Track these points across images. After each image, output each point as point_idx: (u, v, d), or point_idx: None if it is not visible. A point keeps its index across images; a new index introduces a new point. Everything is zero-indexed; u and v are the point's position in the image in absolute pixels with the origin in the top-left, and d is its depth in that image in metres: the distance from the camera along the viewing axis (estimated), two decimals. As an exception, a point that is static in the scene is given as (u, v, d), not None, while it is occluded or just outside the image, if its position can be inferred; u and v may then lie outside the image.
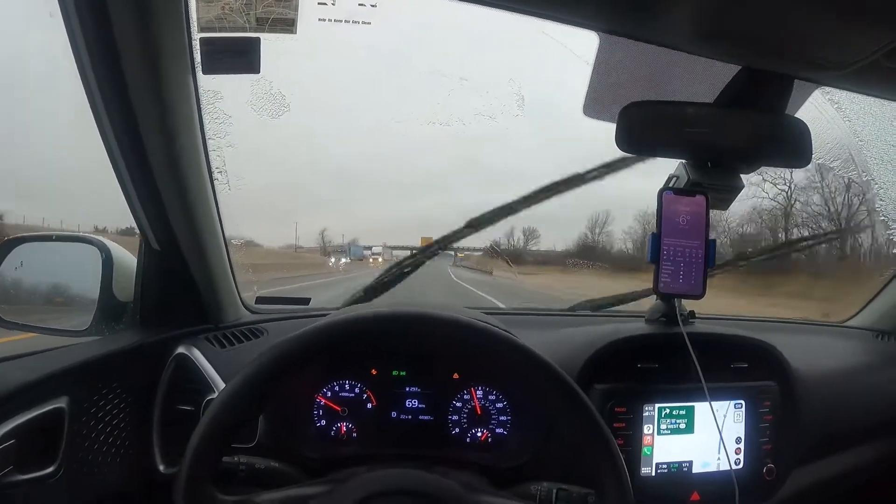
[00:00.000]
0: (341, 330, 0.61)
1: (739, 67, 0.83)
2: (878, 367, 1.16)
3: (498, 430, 0.89)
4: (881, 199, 1.17)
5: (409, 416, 0.89)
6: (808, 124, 0.86)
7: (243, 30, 0.78)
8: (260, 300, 1.05)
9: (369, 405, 0.89)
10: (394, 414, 0.89)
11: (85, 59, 0.69)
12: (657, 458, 0.87)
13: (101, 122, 0.75)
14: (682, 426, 0.88)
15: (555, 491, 0.70)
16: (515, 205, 1.12)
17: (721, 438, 0.87)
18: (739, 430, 0.90)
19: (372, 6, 0.75)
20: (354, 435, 0.88)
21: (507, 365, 0.63)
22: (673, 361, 0.86)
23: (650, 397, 0.87)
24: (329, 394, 0.89)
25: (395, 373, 0.89)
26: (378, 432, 0.89)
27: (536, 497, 0.70)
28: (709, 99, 0.86)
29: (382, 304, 1.07)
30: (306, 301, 1.09)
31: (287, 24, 0.78)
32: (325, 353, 0.61)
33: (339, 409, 0.88)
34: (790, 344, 1.00)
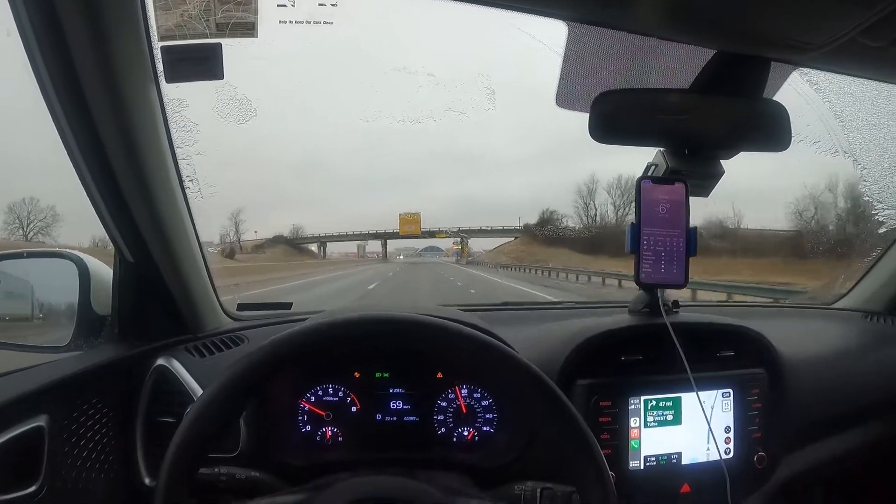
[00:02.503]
0: (311, 336, 0.60)
1: (714, 52, 0.81)
2: (868, 349, 1.15)
3: (485, 429, 0.88)
4: (865, 180, 1.16)
5: (395, 418, 0.88)
6: (786, 107, 0.85)
7: (204, 36, 0.77)
8: (241, 307, 1.04)
9: (354, 408, 0.88)
10: (379, 416, 0.88)
11: (44, 77, 0.68)
12: (645, 451, 0.86)
13: (65, 137, 0.74)
14: (670, 418, 0.87)
15: (539, 490, 0.69)
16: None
17: (710, 428, 0.86)
18: (728, 419, 0.89)
19: (332, 5, 0.74)
20: (340, 439, 0.88)
21: (484, 366, 0.62)
22: (658, 352, 0.85)
23: (636, 390, 0.86)
24: (313, 398, 0.88)
25: (378, 375, 0.88)
26: (364, 436, 0.88)
27: (521, 497, 0.70)
28: (685, 85, 0.84)
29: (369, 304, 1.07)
30: (288, 305, 1.08)
31: (248, 28, 0.76)
32: (299, 359, 0.61)
33: (323, 413, 0.87)
34: (778, 328, 0.98)
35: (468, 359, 0.62)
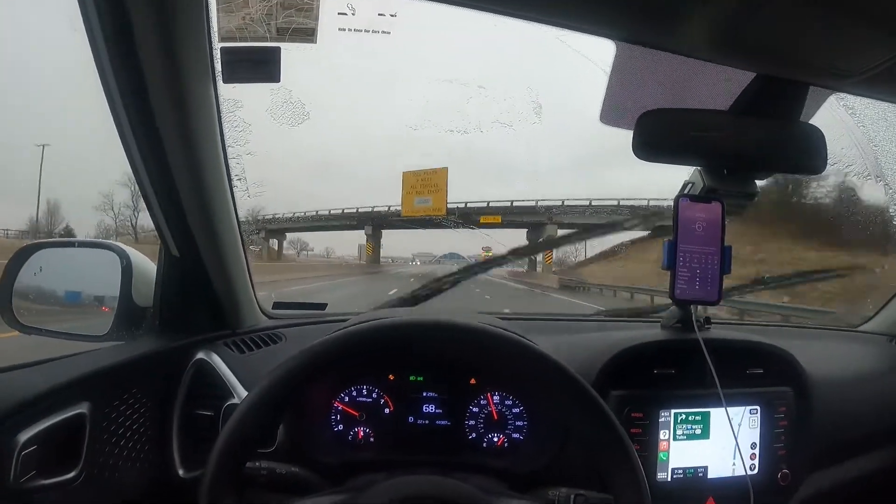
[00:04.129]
0: (362, 338, 0.62)
1: (754, 75, 0.83)
2: (893, 372, 1.16)
3: (514, 436, 0.90)
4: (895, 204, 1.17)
5: (426, 422, 0.89)
6: (822, 131, 0.87)
7: (264, 39, 0.79)
8: (277, 305, 1.06)
9: (386, 410, 0.90)
10: (411, 419, 0.89)
11: (108, 70, 0.70)
12: (673, 464, 0.87)
13: (123, 132, 0.76)
14: (698, 432, 0.88)
15: (573, 496, 0.70)
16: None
17: (737, 444, 0.87)
18: (755, 435, 0.91)
19: (392, 16, 0.76)
20: (372, 440, 0.89)
21: (525, 371, 0.64)
22: (689, 367, 0.86)
23: (666, 403, 0.87)
24: (347, 399, 0.89)
25: (412, 378, 0.89)
26: (395, 437, 0.89)
27: (555, 502, 0.71)
28: (724, 106, 0.86)
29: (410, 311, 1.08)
30: (323, 306, 1.10)
31: (307, 34, 0.79)
32: (346, 360, 0.62)
33: (356, 414, 0.89)
34: (805, 349, 1.00)
35: (507, 362, 0.64)
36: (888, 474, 1.06)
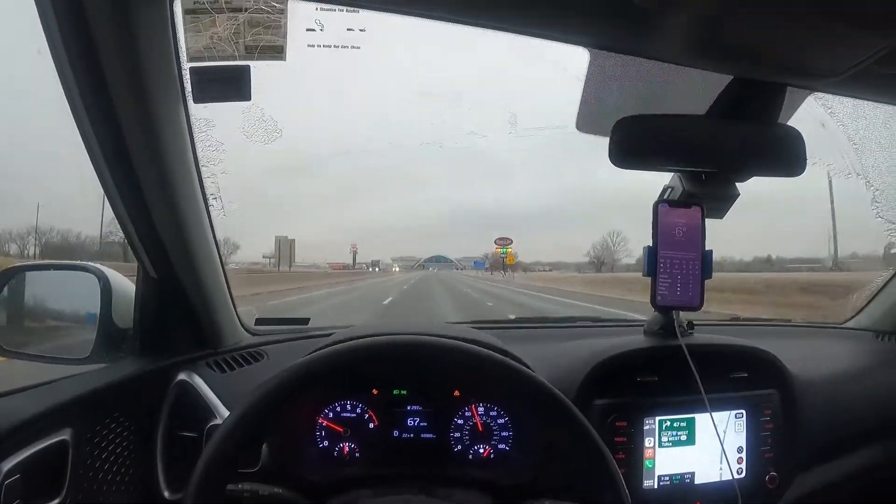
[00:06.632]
0: (337, 359, 0.62)
1: (731, 78, 0.83)
2: (880, 368, 1.16)
3: (500, 447, 0.89)
4: (877, 202, 1.17)
5: (412, 435, 0.89)
6: (801, 131, 0.86)
7: (233, 58, 0.79)
8: (259, 321, 1.05)
9: (371, 425, 0.89)
10: (396, 433, 0.89)
11: (75, 95, 0.69)
12: (659, 471, 0.87)
13: (94, 154, 0.75)
14: (684, 438, 0.88)
15: None
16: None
17: (723, 449, 0.87)
18: (741, 439, 0.90)
19: (361, 31, 0.75)
20: (357, 455, 0.89)
21: (502, 386, 0.64)
22: (672, 373, 0.86)
23: (650, 410, 0.87)
24: (331, 415, 0.89)
25: (395, 392, 0.89)
26: (381, 452, 0.89)
27: None
28: (701, 110, 0.86)
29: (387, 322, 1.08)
30: (305, 321, 1.09)
31: (276, 52, 0.78)
32: (324, 381, 0.62)
33: (340, 429, 0.88)
34: (790, 348, 0.99)
35: (485, 379, 0.64)
36: (878, 471, 1.06)
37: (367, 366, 0.63)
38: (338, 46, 0.77)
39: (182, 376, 0.87)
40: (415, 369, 0.66)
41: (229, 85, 0.80)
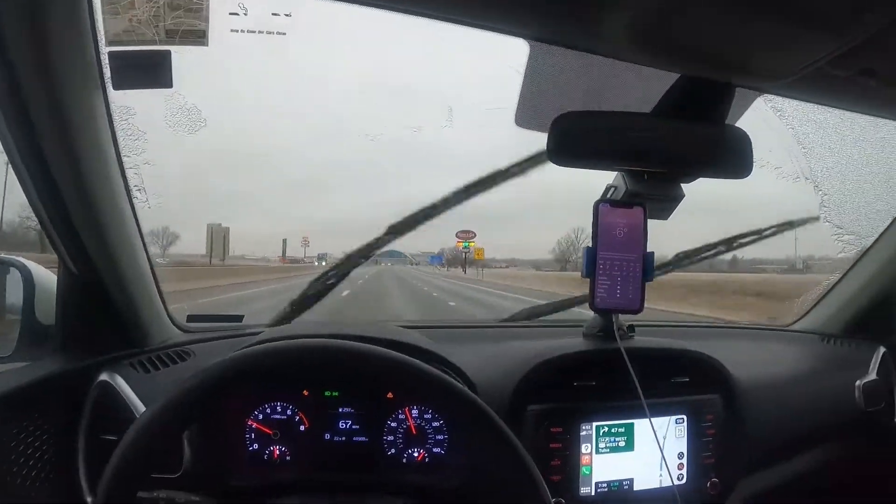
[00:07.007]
0: (250, 364, 0.59)
1: (679, 76, 0.80)
2: (824, 371, 1.15)
3: (435, 450, 0.87)
4: (825, 206, 1.16)
5: (344, 438, 0.86)
6: (749, 133, 0.84)
7: (153, 43, 0.75)
8: (191, 318, 1.01)
9: (302, 427, 0.86)
10: (327, 436, 0.86)
11: None
12: (597, 478, 0.85)
13: (5, 141, 0.71)
14: (622, 444, 0.86)
15: None
16: (433, 209, 1.09)
17: (662, 455, 0.85)
18: (681, 445, 0.89)
19: (286, 15, 0.72)
20: (288, 458, 0.86)
21: (417, 390, 0.61)
22: (611, 378, 0.84)
23: (588, 416, 0.85)
24: (261, 416, 0.86)
25: (327, 393, 0.86)
26: (312, 456, 0.86)
27: None
28: (647, 108, 0.83)
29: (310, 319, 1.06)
30: (239, 318, 1.05)
31: (198, 36, 0.74)
32: (239, 387, 0.60)
33: (270, 432, 0.85)
34: (735, 351, 0.98)
35: (404, 386, 0.61)
36: (819, 475, 1.06)
37: (274, 370, 0.60)
38: (262, 32, 0.73)
39: (104, 377, 0.83)
40: (325, 373, 0.63)
41: (150, 71, 0.75)
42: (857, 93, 0.80)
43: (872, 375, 1.10)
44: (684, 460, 0.89)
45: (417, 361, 0.61)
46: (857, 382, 1.09)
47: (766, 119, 0.96)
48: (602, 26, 0.67)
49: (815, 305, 1.28)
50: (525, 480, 0.58)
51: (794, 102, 0.89)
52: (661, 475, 0.87)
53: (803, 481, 1.04)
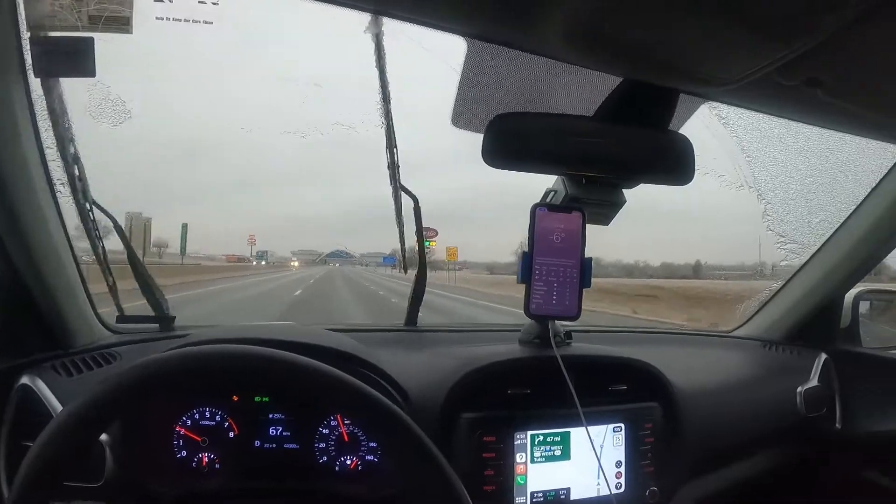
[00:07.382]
0: (154, 371, 0.56)
1: (621, 79, 0.79)
2: (765, 377, 1.15)
3: (368, 458, 0.84)
4: (768, 214, 1.17)
5: (274, 445, 0.83)
6: (693, 140, 0.84)
7: (75, 29, 0.72)
8: (120, 318, 0.98)
9: (231, 434, 0.83)
10: (258, 443, 0.83)
11: None
12: (532, 487, 0.83)
13: None
14: (558, 453, 0.84)
15: None
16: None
17: (599, 464, 0.84)
18: (619, 453, 0.87)
19: (214, 3, 0.70)
20: (217, 466, 0.82)
21: (325, 396, 0.58)
22: (547, 386, 0.82)
23: (522, 424, 0.83)
24: (189, 422, 0.83)
25: (257, 399, 0.83)
26: (242, 463, 0.83)
27: None
28: (588, 111, 0.82)
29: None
30: (171, 319, 1.02)
31: (122, 23, 0.72)
32: (154, 395, 0.56)
33: (198, 438, 0.82)
34: (675, 357, 0.97)
35: (309, 393, 0.58)
36: (762, 481, 1.05)
37: (186, 378, 0.58)
38: (188, 20, 0.71)
39: (24, 380, 0.79)
40: (230, 379, 0.60)
41: (71, 58, 0.73)
42: (802, 102, 0.79)
43: (814, 382, 1.10)
44: (622, 469, 0.87)
45: (327, 366, 0.58)
46: (799, 389, 1.09)
47: (710, 126, 0.96)
48: (540, 25, 0.65)
49: (757, 312, 1.28)
50: (445, 493, 0.55)
51: (739, 110, 0.89)
52: (598, 484, 0.86)
53: (745, 487, 1.04)
